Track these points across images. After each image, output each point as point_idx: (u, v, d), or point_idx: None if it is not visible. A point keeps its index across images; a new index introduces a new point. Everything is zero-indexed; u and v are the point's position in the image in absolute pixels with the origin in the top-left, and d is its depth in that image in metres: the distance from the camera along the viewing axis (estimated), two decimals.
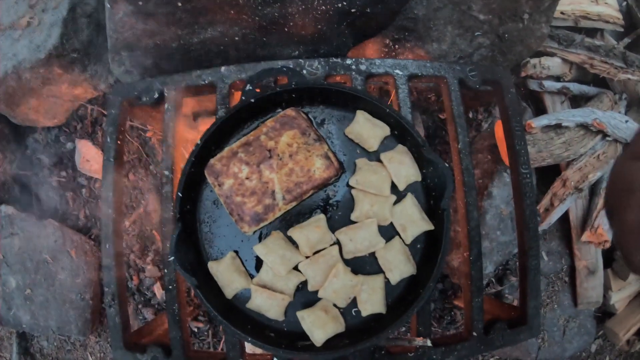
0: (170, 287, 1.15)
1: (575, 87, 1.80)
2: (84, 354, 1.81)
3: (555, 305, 1.77)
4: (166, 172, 1.18)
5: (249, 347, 1.29)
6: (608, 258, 1.80)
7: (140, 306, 1.71)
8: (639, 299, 1.85)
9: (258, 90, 1.09)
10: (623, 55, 1.76)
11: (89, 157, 1.72)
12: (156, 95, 1.23)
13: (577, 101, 1.86)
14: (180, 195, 1.02)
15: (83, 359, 1.81)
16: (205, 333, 1.68)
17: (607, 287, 1.79)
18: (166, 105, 1.22)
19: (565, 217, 1.73)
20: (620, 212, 0.61)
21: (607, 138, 1.66)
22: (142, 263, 1.71)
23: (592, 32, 1.91)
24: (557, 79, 1.81)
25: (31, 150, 1.86)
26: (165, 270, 1.16)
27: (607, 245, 1.65)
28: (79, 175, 1.80)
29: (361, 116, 1.09)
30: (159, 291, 1.69)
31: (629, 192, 0.61)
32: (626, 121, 1.66)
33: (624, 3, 2.03)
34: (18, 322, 1.70)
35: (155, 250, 1.72)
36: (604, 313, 1.87)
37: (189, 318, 1.64)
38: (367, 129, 1.07)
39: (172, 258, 0.98)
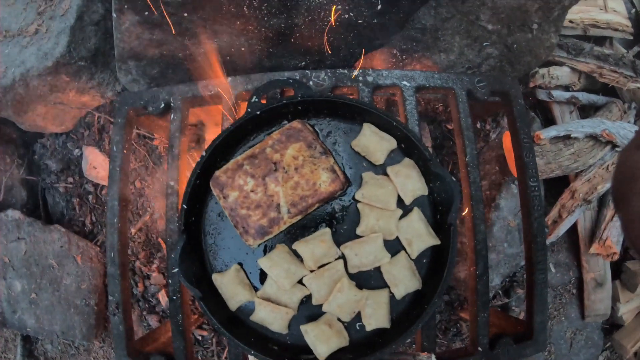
0: (174, 297, 1.15)
1: (584, 97, 1.78)
2: (88, 358, 1.81)
3: (563, 318, 1.74)
4: (171, 183, 1.18)
5: (253, 359, 1.28)
6: (616, 270, 1.77)
7: (145, 313, 1.71)
8: None
9: (264, 101, 1.08)
10: (632, 63, 1.74)
11: (96, 164, 1.73)
12: (162, 105, 1.23)
13: (586, 111, 1.84)
14: (185, 207, 1.02)
15: None
16: (210, 341, 1.67)
17: (615, 299, 1.76)
18: (172, 115, 1.22)
19: (573, 229, 1.71)
20: (626, 200, 0.62)
21: (617, 148, 1.63)
22: (147, 270, 1.71)
23: (601, 41, 1.89)
24: (566, 88, 1.79)
25: (39, 156, 1.87)
26: (170, 281, 1.16)
27: (616, 257, 1.62)
28: (85, 181, 1.80)
29: (368, 129, 1.08)
30: (163, 298, 1.69)
31: (634, 179, 0.62)
32: (636, 131, 1.64)
33: (633, 10, 2.01)
34: (23, 325, 1.71)
35: (161, 258, 1.72)
36: (612, 325, 1.84)
37: (192, 327, 1.64)
38: (374, 142, 1.07)
39: (177, 270, 0.98)
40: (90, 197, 1.79)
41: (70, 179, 1.82)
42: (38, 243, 1.71)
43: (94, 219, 1.79)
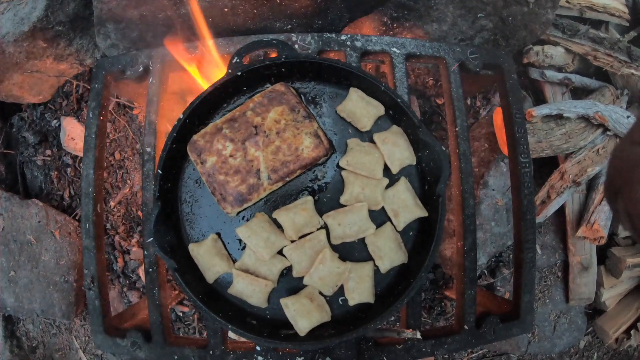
0: (150, 269, 1.11)
1: (577, 79, 1.76)
2: (69, 337, 1.77)
3: (547, 300, 1.74)
4: (148, 149, 1.13)
5: (232, 333, 1.25)
6: (601, 256, 1.77)
7: (125, 289, 1.67)
8: (630, 297, 1.82)
9: (246, 63, 1.03)
10: (627, 49, 1.72)
11: (74, 135, 1.66)
12: (141, 69, 1.18)
13: (578, 94, 1.82)
14: (161, 172, 0.97)
15: (68, 343, 1.77)
16: (191, 317, 1.64)
17: (599, 285, 1.76)
18: (151, 80, 1.16)
19: (561, 211, 1.70)
20: (627, 188, 0.61)
21: (608, 132, 1.61)
22: (127, 245, 1.67)
23: (596, 24, 1.86)
24: (559, 69, 1.77)
25: (17, 129, 1.80)
26: (146, 252, 1.11)
27: (603, 241, 1.62)
28: (64, 153, 1.74)
29: (354, 94, 1.03)
30: (144, 274, 1.64)
31: (634, 167, 0.60)
32: (628, 117, 1.62)
33: None
34: (3, 304, 1.66)
35: (141, 232, 1.67)
36: (595, 310, 1.85)
37: (173, 302, 1.60)
38: (361, 107, 1.02)
39: (151, 239, 0.94)
40: (69, 169, 1.73)
41: (49, 152, 1.75)
42: (16, 218, 1.66)
43: (72, 192, 1.73)
